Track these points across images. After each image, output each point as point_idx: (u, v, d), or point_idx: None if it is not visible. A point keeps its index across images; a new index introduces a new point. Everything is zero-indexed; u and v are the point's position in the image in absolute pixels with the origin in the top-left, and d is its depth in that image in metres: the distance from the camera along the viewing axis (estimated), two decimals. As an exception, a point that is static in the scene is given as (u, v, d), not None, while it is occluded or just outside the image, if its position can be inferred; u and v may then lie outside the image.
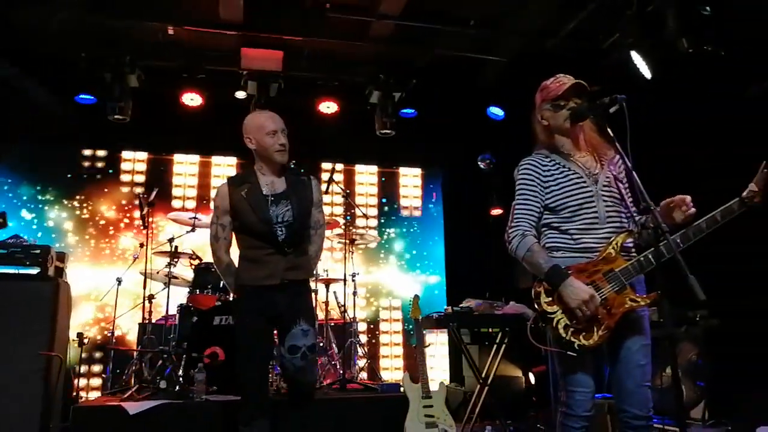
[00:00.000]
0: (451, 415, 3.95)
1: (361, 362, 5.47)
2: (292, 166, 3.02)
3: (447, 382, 6.19)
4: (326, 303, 5.18)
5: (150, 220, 4.86)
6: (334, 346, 5.18)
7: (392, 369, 6.74)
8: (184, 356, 4.14)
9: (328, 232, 4.96)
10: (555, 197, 2.33)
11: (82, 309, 5.90)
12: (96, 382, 5.68)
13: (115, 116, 5.60)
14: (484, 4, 5.24)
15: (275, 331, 2.96)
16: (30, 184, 6.25)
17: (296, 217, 2.86)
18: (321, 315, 5.17)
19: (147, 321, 4.79)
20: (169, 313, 4.71)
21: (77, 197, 6.33)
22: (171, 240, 4.81)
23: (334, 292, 5.38)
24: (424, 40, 5.65)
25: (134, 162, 6.56)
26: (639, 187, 2.10)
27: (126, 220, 6.40)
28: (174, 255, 4.77)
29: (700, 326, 4.47)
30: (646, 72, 4.72)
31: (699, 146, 5.38)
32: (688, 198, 2.24)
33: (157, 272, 4.88)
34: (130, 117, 5.70)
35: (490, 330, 5.02)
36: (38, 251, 3.93)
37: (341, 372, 4.67)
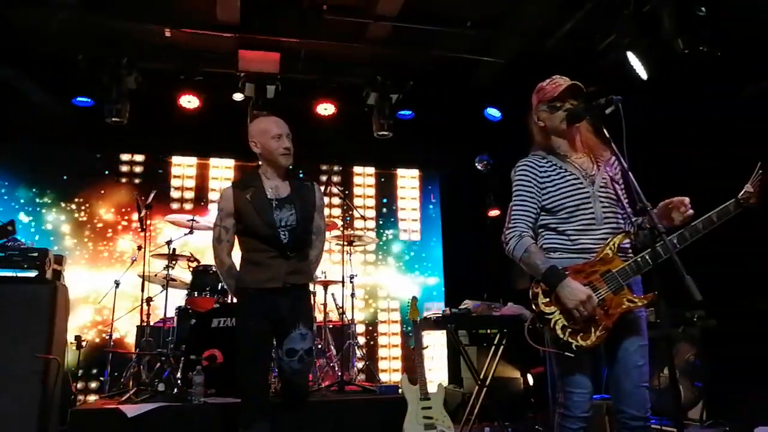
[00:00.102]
0: (449, 417, 3.96)
1: (360, 364, 5.47)
2: (301, 175, 3.10)
3: (445, 383, 6.20)
4: (324, 305, 5.18)
5: (148, 222, 4.86)
6: (332, 347, 5.18)
7: (390, 371, 6.74)
8: (183, 359, 4.14)
9: (326, 234, 4.96)
10: (552, 198, 2.34)
11: (80, 312, 5.89)
12: (94, 384, 5.68)
13: (113, 119, 5.59)
14: (481, 5, 5.25)
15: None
16: (27, 187, 6.24)
17: (300, 221, 2.89)
18: (319, 317, 5.18)
19: (145, 324, 4.78)
20: (167, 315, 4.70)
21: (75, 200, 6.32)
22: (169, 242, 4.81)
23: (332, 294, 5.38)
24: (421, 42, 5.65)
25: (132, 164, 6.56)
26: (635, 188, 2.10)
27: (124, 223, 6.39)
28: (172, 257, 4.77)
29: (698, 327, 4.48)
30: (642, 72, 4.73)
31: (695, 147, 5.39)
32: (687, 199, 2.25)
33: (155, 275, 4.88)
34: (127, 119, 5.69)
35: (489, 331, 5.02)
36: (36, 254, 3.93)
37: (339, 374, 4.67)
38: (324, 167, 6.90)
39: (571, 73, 2.42)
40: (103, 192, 6.39)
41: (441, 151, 7.25)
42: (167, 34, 5.27)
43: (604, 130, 2.23)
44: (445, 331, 4.83)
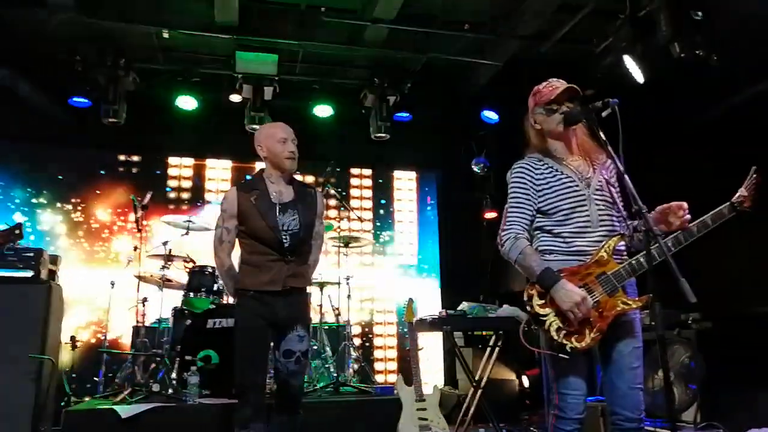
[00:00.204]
0: (444, 418, 3.96)
1: (355, 365, 5.46)
2: (299, 177, 3.14)
3: (441, 385, 6.20)
4: (320, 306, 5.18)
5: (144, 223, 4.85)
6: (328, 349, 5.17)
7: (386, 372, 6.74)
8: (178, 359, 4.13)
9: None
10: (548, 201, 2.34)
11: (75, 312, 5.87)
12: (88, 385, 5.65)
13: (110, 119, 5.58)
14: (478, 8, 5.27)
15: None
16: (23, 187, 6.23)
17: (302, 226, 2.95)
18: (315, 318, 5.17)
19: (140, 324, 4.77)
20: (163, 316, 4.70)
21: (71, 200, 6.31)
22: (165, 243, 4.80)
23: (329, 296, 5.38)
24: (418, 44, 5.66)
25: (128, 165, 6.55)
26: (631, 191, 2.11)
27: (120, 223, 6.38)
28: (168, 258, 4.76)
29: (693, 329, 4.50)
30: (638, 76, 4.74)
31: (691, 149, 5.42)
32: (685, 204, 2.27)
33: (151, 275, 4.87)
34: (124, 120, 5.69)
35: (484, 333, 5.03)
36: (31, 254, 3.92)
37: (335, 375, 4.67)
38: (321, 169, 6.91)
39: (568, 76, 2.43)
40: (98, 192, 6.38)
41: (438, 153, 7.27)
42: (165, 35, 5.26)
43: (600, 133, 2.24)
44: (440, 333, 4.82)
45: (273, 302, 2.87)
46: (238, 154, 6.75)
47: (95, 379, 4.79)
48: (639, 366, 2.27)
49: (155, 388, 4.02)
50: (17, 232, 3.79)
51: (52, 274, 4.26)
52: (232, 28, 5.24)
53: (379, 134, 6.14)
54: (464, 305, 4.52)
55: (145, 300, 4.77)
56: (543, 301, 2.24)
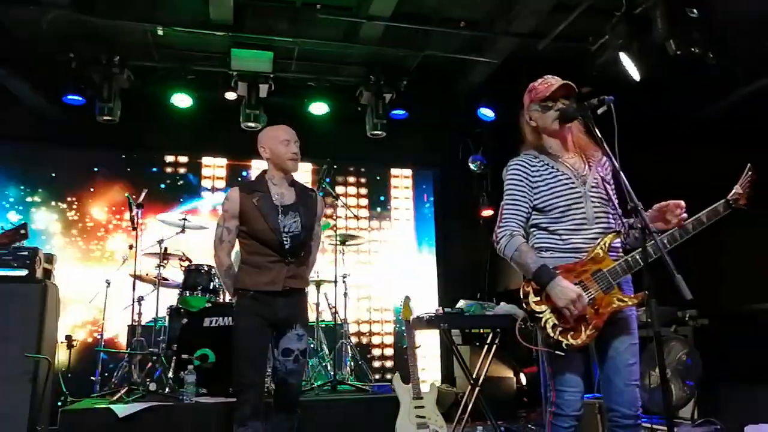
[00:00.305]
0: (442, 416, 3.96)
1: (352, 363, 5.46)
2: (308, 190, 3.20)
3: (438, 383, 6.21)
4: (317, 304, 5.18)
5: (139, 221, 4.83)
6: (325, 347, 5.17)
7: (383, 370, 6.74)
8: (174, 358, 4.12)
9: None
10: (543, 198, 2.34)
11: (70, 311, 5.85)
12: (84, 384, 5.64)
13: (104, 117, 5.56)
14: (474, 5, 5.26)
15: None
16: (17, 186, 6.20)
17: (302, 229, 2.99)
18: (312, 317, 5.16)
19: (136, 323, 4.76)
20: (159, 314, 4.68)
21: (65, 198, 6.29)
22: (160, 242, 4.79)
23: (325, 294, 5.37)
24: (414, 42, 5.65)
25: (123, 163, 6.53)
26: (626, 187, 2.11)
27: (115, 222, 6.36)
28: (164, 256, 4.75)
29: (690, 326, 4.51)
30: (634, 73, 4.74)
31: (686, 146, 5.43)
32: (683, 203, 2.27)
33: (146, 274, 4.86)
34: (119, 118, 5.67)
35: (481, 331, 5.03)
36: (26, 253, 3.91)
37: (332, 373, 4.66)
38: (317, 166, 6.90)
39: (564, 73, 2.42)
40: (93, 190, 6.36)
41: (434, 151, 7.27)
42: (159, 32, 5.24)
43: (596, 130, 2.24)
44: (438, 331, 4.82)
45: (273, 302, 2.90)
46: (233, 152, 6.73)
47: (92, 378, 4.77)
48: (635, 363, 2.27)
49: (152, 387, 4.01)
50: (22, 231, 3.78)
51: (48, 273, 4.25)
52: (227, 25, 5.22)
53: (376, 132, 6.13)
54: (461, 303, 4.52)
55: (141, 299, 4.75)
56: (539, 298, 2.24)
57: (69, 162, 6.37)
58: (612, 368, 2.27)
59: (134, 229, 4.72)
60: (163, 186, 6.56)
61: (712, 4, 4.44)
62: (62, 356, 4.69)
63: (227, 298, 4.71)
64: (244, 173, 6.87)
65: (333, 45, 5.67)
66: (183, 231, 4.95)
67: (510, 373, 5.75)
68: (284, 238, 2.92)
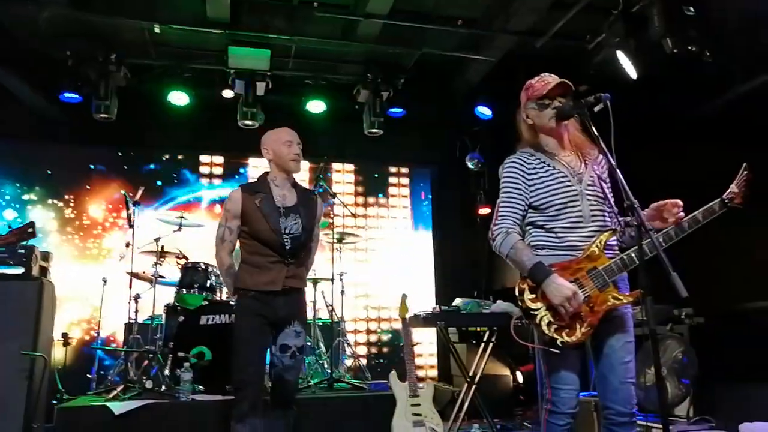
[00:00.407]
0: (438, 414, 3.96)
1: (349, 361, 5.47)
2: (309, 193, 3.25)
3: (435, 380, 6.21)
4: (314, 302, 5.17)
5: (136, 219, 4.82)
6: (321, 345, 5.17)
7: (380, 368, 6.74)
8: (171, 356, 4.11)
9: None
10: (540, 196, 2.34)
11: (67, 309, 5.84)
12: (81, 381, 5.63)
13: (101, 115, 5.55)
14: (472, 3, 5.26)
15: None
16: (14, 183, 6.19)
17: (303, 230, 3.03)
18: (309, 314, 5.16)
19: (133, 321, 4.75)
20: (156, 312, 4.68)
21: (62, 196, 6.28)
22: (157, 239, 4.78)
23: (322, 292, 5.37)
24: (412, 40, 5.65)
25: (120, 161, 6.52)
26: (623, 185, 2.11)
27: (111, 219, 6.35)
28: (160, 254, 4.74)
29: (686, 324, 4.52)
30: (631, 71, 4.75)
31: (683, 144, 5.44)
32: (680, 202, 2.27)
33: (143, 272, 4.85)
34: (115, 116, 5.66)
35: (478, 329, 5.04)
36: (22, 251, 3.90)
37: (329, 371, 4.67)
38: (314, 165, 6.89)
39: (561, 71, 2.42)
40: (90, 188, 6.35)
41: (432, 149, 7.27)
42: (156, 30, 5.23)
43: (592, 128, 2.24)
44: (434, 329, 4.83)
45: (273, 302, 2.94)
46: (230, 150, 6.72)
47: (88, 375, 4.77)
48: (630, 360, 2.28)
49: (148, 384, 4.01)
50: (30, 230, 3.77)
51: (44, 270, 4.24)
52: (224, 23, 5.21)
53: (373, 130, 6.13)
54: (458, 301, 4.52)
55: (137, 296, 4.75)
56: (534, 296, 2.25)
57: (65, 160, 6.35)
58: (607, 366, 2.28)
59: (131, 227, 4.71)
60: (159, 183, 6.55)
61: (709, 2, 4.45)
62: (58, 354, 4.68)
63: (224, 296, 4.71)
64: (242, 170, 6.87)
65: (330, 43, 5.66)
66: (180, 229, 4.94)
67: (506, 371, 5.76)
68: (285, 240, 2.96)
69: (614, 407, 2.25)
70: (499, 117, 6.32)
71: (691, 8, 4.28)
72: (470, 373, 4.35)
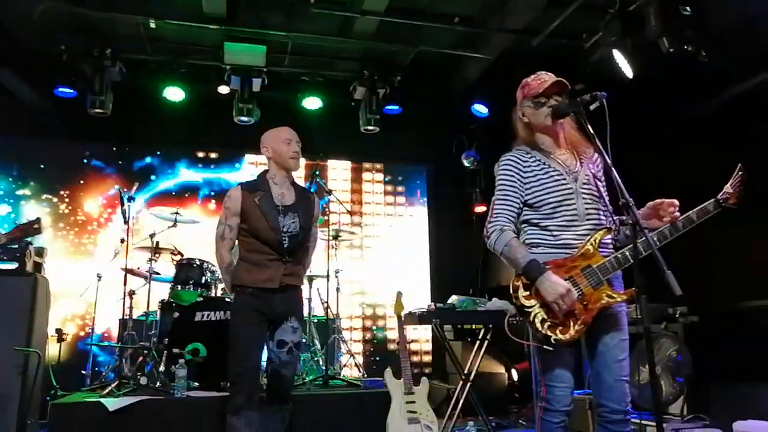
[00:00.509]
0: (433, 411, 3.97)
1: (344, 358, 5.47)
2: (307, 192, 3.29)
3: (430, 378, 6.21)
4: (310, 300, 5.17)
5: (131, 215, 4.80)
6: (317, 342, 5.17)
7: (375, 365, 6.74)
8: (165, 352, 4.11)
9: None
10: (535, 194, 2.35)
11: (61, 305, 5.82)
12: (75, 377, 5.61)
13: (96, 110, 5.53)
14: (469, 1, 5.25)
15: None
16: (7, 178, 6.16)
17: (301, 229, 3.07)
18: (304, 311, 5.16)
19: (128, 317, 4.74)
20: (150, 309, 4.66)
21: (56, 191, 6.25)
22: (152, 235, 4.77)
23: (318, 289, 5.37)
24: (408, 37, 5.64)
25: (115, 156, 6.49)
26: (618, 184, 2.11)
27: (106, 215, 6.33)
28: (155, 250, 4.73)
29: (680, 323, 4.53)
30: (627, 71, 4.75)
31: (678, 144, 5.44)
32: (676, 201, 2.27)
33: (138, 267, 4.83)
34: (111, 111, 5.63)
35: (473, 326, 5.04)
36: (16, 246, 3.88)
37: (324, 368, 4.67)
38: (310, 162, 6.88)
39: (558, 70, 2.42)
40: (84, 183, 6.33)
41: (428, 147, 7.27)
42: (152, 25, 5.20)
43: (588, 127, 2.24)
44: (430, 326, 4.83)
45: (270, 298, 2.99)
46: (226, 146, 6.71)
47: (82, 371, 4.76)
48: (625, 358, 2.28)
49: (143, 381, 4.00)
50: (36, 226, 3.76)
51: (38, 266, 4.22)
52: (220, 18, 5.19)
53: (369, 127, 6.12)
54: (454, 298, 4.53)
55: (132, 293, 4.73)
56: (528, 293, 2.25)
57: (60, 155, 6.33)
58: (602, 364, 2.28)
59: (126, 222, 4.69)
60: (155, 179, 6.53)
61: (705, 2, 4.45)
62: (52, 350, 4.66)
63: (219, 292, 4.70)
64: (237, 165, 6.85)
65: (327, 39, 5.65)
66: (175, 225, 4.93)
67: (501, 369, 5.77)
68: (283, 238, 2.99)
69: (608, 405, 2.25)
70: (495, 115, 6.32)
71: (688, 8, 4.29)
72: (465, 371, 4.36)
